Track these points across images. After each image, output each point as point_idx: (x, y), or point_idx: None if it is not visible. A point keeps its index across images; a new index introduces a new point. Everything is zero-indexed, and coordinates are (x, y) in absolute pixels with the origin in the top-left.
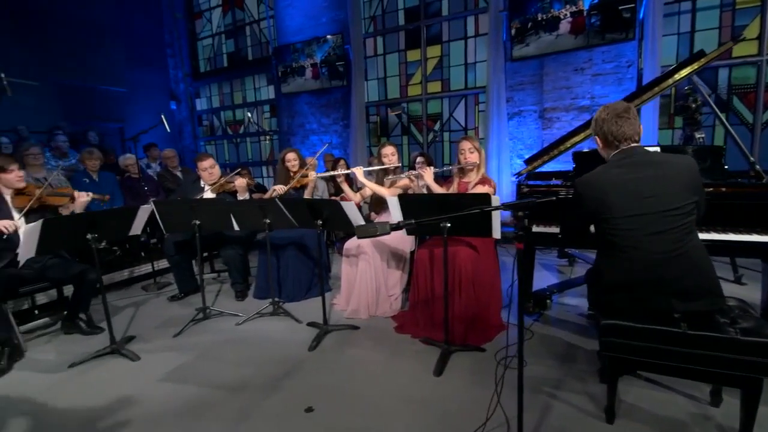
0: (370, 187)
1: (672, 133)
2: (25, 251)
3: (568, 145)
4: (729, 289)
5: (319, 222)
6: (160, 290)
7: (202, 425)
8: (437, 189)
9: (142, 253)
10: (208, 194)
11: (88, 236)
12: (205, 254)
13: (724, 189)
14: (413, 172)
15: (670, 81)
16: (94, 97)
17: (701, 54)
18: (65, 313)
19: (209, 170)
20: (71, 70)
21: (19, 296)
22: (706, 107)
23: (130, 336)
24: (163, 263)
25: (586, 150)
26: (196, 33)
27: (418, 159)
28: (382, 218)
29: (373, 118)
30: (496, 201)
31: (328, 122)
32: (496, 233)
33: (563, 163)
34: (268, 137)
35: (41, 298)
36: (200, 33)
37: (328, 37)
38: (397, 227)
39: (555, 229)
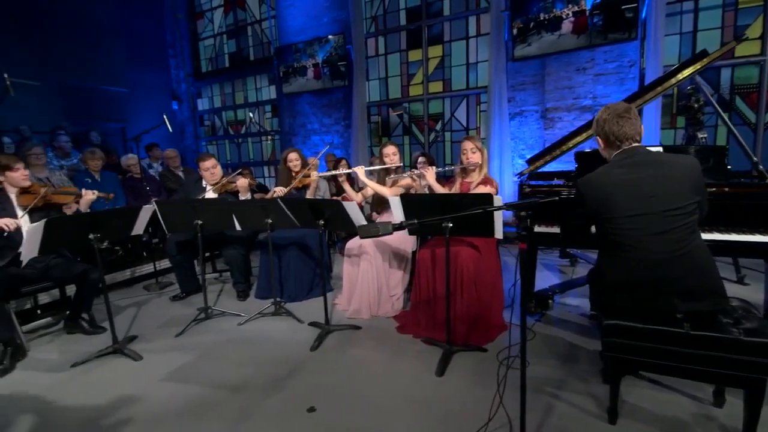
0: (372, 186)
1: (674, 133)
2: (28, 251)
3: (570, 145)
4: (731, 289)
5: (321, 222)
6: (162, 290)
7: (204, 425)
8: (439, 189)
9: (144, 253)
10: (210, 194)
11: (91, 236)
12: (207, 254)
13: (727, 189)
14: (416, 171)
15: (673, 81)
16: (96, 97)
17: (704, 54)
18: (68, 312)
19: (211, 170)
20: (73, 71)
21: (22, 296)
22: (708, 107)
23: (132, 336)
24: (164, 263)
25: (588, 150)
26: (198, 33)
27: (420, 159)
28: (383, 218)
29: (375, 118)
30: (498, 201)
31: (329, 122)
32: (499, 233)
33: (565, 164)
34: (269, 137)
35: (44, 298)
36: (202, 33)
37: (330, 37)
38: (399, 227)
39: (557, 230)
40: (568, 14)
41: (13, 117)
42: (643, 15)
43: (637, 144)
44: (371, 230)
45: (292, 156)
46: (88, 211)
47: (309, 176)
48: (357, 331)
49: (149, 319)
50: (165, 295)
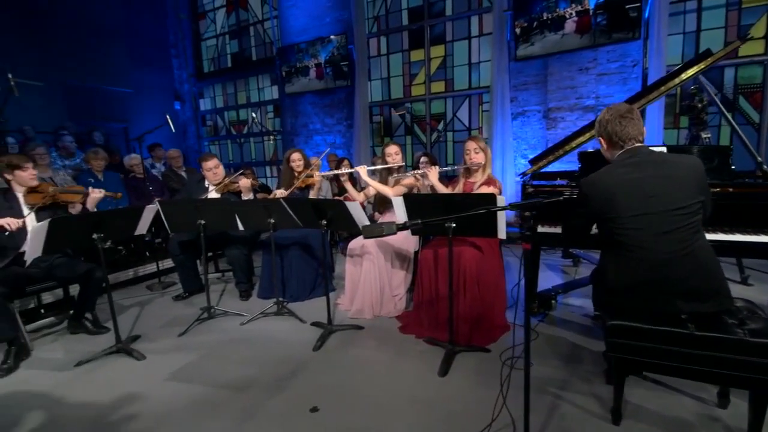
0: (374, 186)
1: (677, 133)
2: (32, 250)
3: (574, 145)
4: (735, 290)
5: (324, 222)
6: (164, 290)
7: (208, 424)
8: (442, 189)
9: (147, 253)
10: (213, 194)
11: (94, 236)
12: (210, 254)
13: (731, 189)
14: (419, 171)
15: (677, 80)
16: (99, 98)
17: (708, 53)
18: (71, 312)
19: (213, 170)
20: (76, 71)
21: (26, 295)
22: (711, 107)
23: (135, 335)
24: (167, 263)
25: (591, 150)
26: (200, 33)
27: (422, 159)
28: (385, 218)
29: (377, 118)
30: (501, 201)
31: (331, 122)
32: (502, 233)
33: (567, 164)
34: (271, 137)
35: (47, 297)
36: (204, 33)
37: (332, 37)
38: (403, 227)
39: (560, 230)
40: (571, 14)
41: (17, 117)
42: (646, 14)
43: (639, 144)
44: (375, 230)
45: (295, 156)
46: (95, 210)
47: (312, 176)
48: (359, 331)
49: (152, 318)
50: (168, 294)
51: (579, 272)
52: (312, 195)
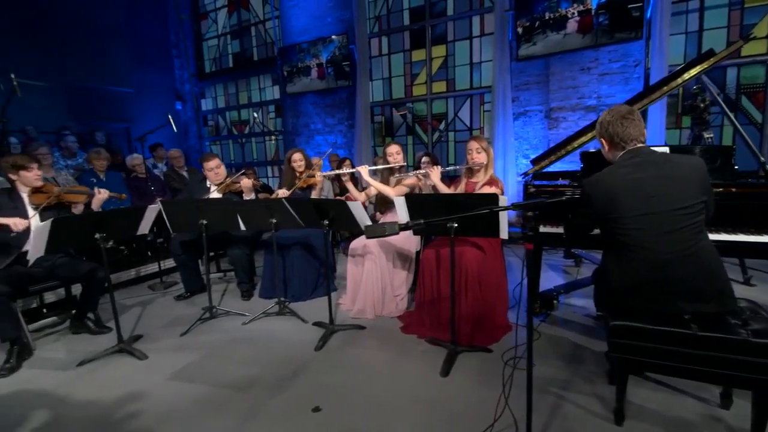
0: (375, 186)
1: (679, 133)
2: (35, 250)
3: (576, 145)
4: (738, 290)
5: (326, 222)
6: (166, 289)
7: (209, 424)
8: (444, 189)
9: (149, 253)
10: (214, 194)
11: (96, 236)
12: (212, 254)
13: (734, 189)
14: (421, 171)
15: (679, 80)
16: (101, 98)
17: (711, 53)
18: (73, 312)
19: (215, 170)
20: (78, 71)
21: (29, 295)
22: (713, 107)
23: (137, 335)
24: (169, 263)
25: (593, 150)
26: (202, 34)
27: (424, 159)
28: (387, 218)
29: (378, 118)
30: (503, 201)
31: (333, 122)
32: (504, 233)
33: (569, 163)
34: (273, 137)
35: (49, 297)
36: (206, 34)
37: (334, 37)
38: (406, 227)
39: (562, 230)
40: (573, 13)
41: (20, 117)
42: (649, 14)
43: (641, 144)
44: (378, 230)
45: (296, 156)
46: (100, 210)
47: (313, 176)
48: (361, 331)
49: (154, 318)
50: (169, 294)
51: (581, 272)
52: (314, 195)
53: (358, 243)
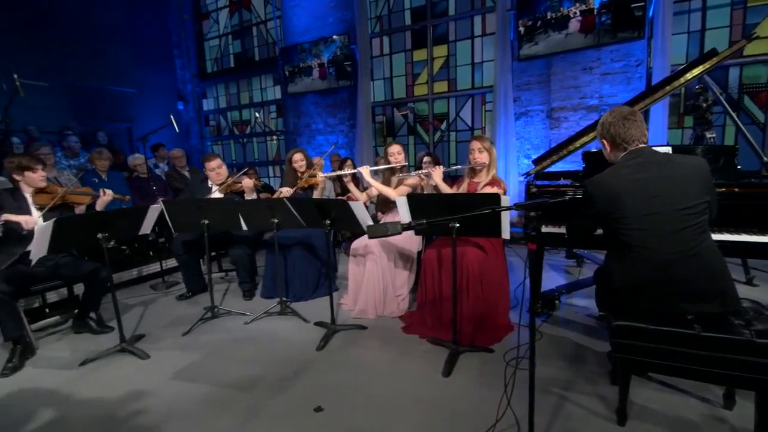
0: (377, 186)
1: (681, 133)
2: (38, 250)
3: (577, 145)
4: (741, 290)
5: (328, 222)
6: (168, 289)
7: (211, 423)
8: (446, 189)
9: (151, 253)
10: (216, 194)
11: (99, 235)
12: (213, 254)
13: (737, 189)
14: (423, 171)
15: (682, 80)
16: (103, 98)
17: (713, 53)
18: (76, 311)
19: (217, 170)
20: (80, 71)
21: (31, 294)
22: (716, 106)
23: (139, 334)
24: (171, 262)
25: (594, 150)
26: (203, 34)
27: (425, 159)
28: (388, 218)
29: (379, 118)
30: (506, 201)
31: (334, 122)
32: (506, 234)
33: (571, 163)
34: (274, 137)
35: (52, 296)
36: (207, 34)
37: (335, 37)
38: (408, 227)
39: (564, 230)
40: (575, 13)
41: (22, 117)
42: (651, 14)
43: (643, 145)
44: (380, 230)
45: (297, 157)
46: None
47: (314, 176)
48: (363, 331)
49: (156, 318)
50: (171, 294)
51: (583, 272)
52: (316, 195)
53: (360, 243)
